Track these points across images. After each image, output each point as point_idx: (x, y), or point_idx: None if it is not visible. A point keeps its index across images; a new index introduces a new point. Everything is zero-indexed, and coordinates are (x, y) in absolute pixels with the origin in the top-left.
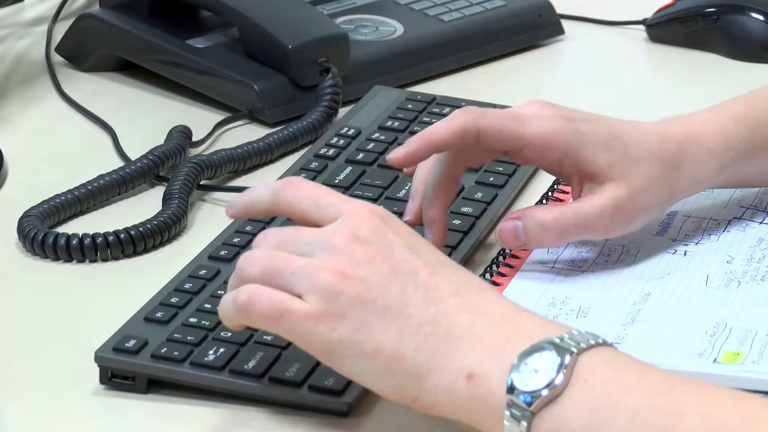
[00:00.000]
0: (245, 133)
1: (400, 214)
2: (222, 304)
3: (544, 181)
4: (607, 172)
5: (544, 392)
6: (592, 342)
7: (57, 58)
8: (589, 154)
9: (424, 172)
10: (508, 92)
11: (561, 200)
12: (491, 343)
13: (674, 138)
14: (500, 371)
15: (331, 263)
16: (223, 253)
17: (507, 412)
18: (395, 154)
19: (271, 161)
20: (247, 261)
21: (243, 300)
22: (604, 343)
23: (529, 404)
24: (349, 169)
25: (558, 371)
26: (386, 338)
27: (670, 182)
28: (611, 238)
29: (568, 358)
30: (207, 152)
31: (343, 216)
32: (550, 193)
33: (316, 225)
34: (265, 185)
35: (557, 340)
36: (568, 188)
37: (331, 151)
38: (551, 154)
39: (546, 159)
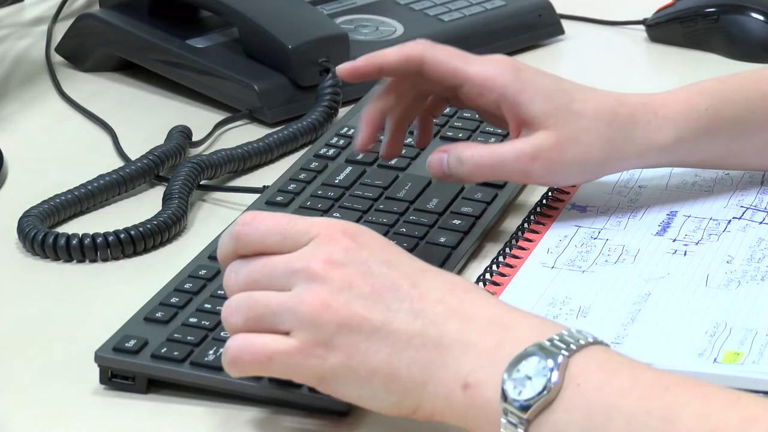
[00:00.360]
0: (245, 133)
1: (400, 215)
2: (222, 362)
3: None
4: (541, 120)
5: (538, 399)
6: (583, 342)
7: (57, 58)
8: (526, 100)
9: (376, 105)
10: None
11: (561, 200)
12: (483, 349)
13: (630, 104)
14: (494, 379)
15: (310, 294)
16: None
17: (503, 420)
18: (343, 66)
19: (271, 161)
20: (229, 313)
21: (230, 356)
22: (596, 342)
23: (525, 410)
24: (349, 169)
25: (549, 377)
26: (379, 359)
27: (615, 142)
28: (611, 238)
29: (560, 360)
30: (207, 152)
31: (314, 240)
32: (550, 193)
33: (288, 252)
34: (227, 231)
35: (547, 344)
36: (568, 188)
37: (331, 151)
38: (489, 95)
39: (483, 99)
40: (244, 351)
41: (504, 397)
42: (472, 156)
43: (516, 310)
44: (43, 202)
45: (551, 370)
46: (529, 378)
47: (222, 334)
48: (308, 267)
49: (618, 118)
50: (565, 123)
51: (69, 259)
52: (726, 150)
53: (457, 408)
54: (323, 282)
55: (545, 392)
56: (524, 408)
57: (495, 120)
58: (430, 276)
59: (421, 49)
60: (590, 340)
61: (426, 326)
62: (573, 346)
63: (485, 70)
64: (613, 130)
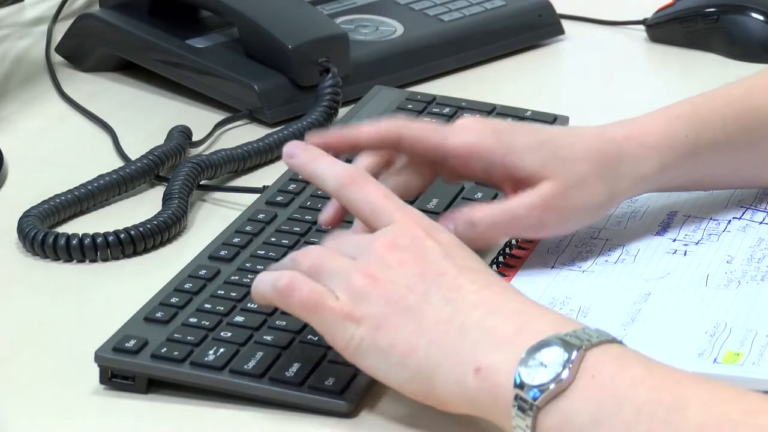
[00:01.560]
0: (245, 133)
1: None
2: (259, 282)
3: None
4: (538, 173)
5: (551, 386)
6: (601, 339)
7: (57, 58)
8: (516, 160)
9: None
10: (508, 92)
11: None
12: (500, 336)
13: (612, 138)
14: (507, 365)
15: (364, 266)
16: (223, 253)
17: (514, 405)
18: (314, 137)
19: (271, 161)
20: (304, 254)
21: (283, 284)
22: (613, 340)
23: (535, 398)
24: None
25: (565, 366)
26: (401, 334)
27: (609, 182)
28: (611, 237)
29: (575, 354)
30: (207, 152)
31: (392, 224)
32: None
33: (371, 227)
34: (332, 166)
35: (566, 336)
36: None
37: (331, 151)
38: (476, 163)
39: (471, 169)
40: (300, 287)
41: (516, 382)
42: (484, 217)
43: (542, 307)
44: (43, 202)
45: (567, 360)
46: (545, 366)
47: (222, 334)
48: (372, 244)
49: (605, 156)
50: (561, 171)
51: (69, 259)
52: (703, 173)
53: (467, 393)
54: (378, 258)
55: (558, 380)
56: (536, 395)
57: (486, 183)
58: (478, 273)
59: (398, 126)
60: (608, 338)
61: (453, 314)
62: (591, 341)
63: (466, 139)
64: (604, 168)
